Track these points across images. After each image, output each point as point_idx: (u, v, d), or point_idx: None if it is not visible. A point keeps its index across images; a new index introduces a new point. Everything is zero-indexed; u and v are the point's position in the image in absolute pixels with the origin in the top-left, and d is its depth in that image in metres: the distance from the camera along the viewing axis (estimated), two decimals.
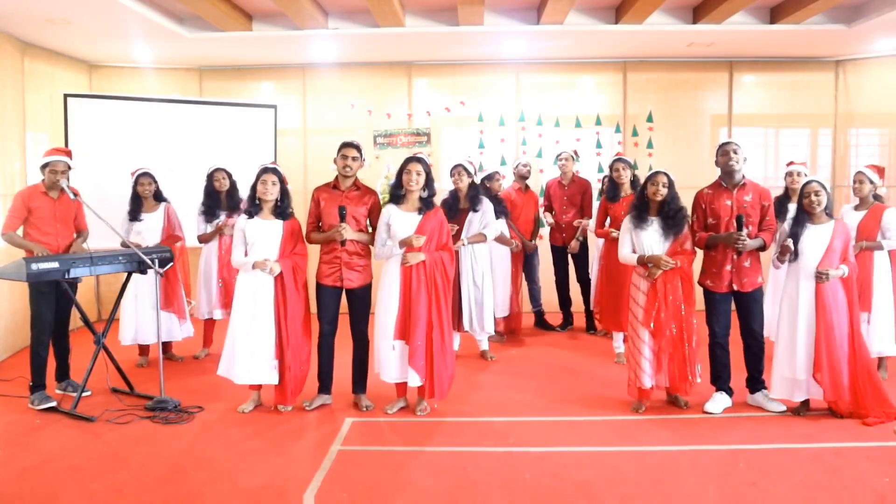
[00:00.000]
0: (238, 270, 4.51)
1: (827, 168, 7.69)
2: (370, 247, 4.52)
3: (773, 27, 6.30)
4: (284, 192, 4.44)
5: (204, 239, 5.71)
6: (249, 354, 4.36)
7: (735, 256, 4.29)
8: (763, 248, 4.33)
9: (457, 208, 5.45)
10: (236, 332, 4.39)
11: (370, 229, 4.49)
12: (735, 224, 4.23)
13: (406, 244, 4.29)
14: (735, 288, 4.34)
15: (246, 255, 4.38)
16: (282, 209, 4.42)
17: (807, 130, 7.88)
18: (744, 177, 4.39)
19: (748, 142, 7.64)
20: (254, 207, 4.41)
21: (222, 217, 5.68)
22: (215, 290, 5.72)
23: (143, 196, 5.48)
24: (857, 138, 7.68)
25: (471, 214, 5.43)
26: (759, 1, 6.06)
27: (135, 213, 5.44)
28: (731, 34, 6.50)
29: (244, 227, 4.39)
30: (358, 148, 4.43)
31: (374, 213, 4.49)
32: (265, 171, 4.40)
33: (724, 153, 4.37)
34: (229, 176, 5.73)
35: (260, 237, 4.36)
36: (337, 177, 4.49)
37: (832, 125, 7.69)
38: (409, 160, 4.39)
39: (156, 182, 5.52)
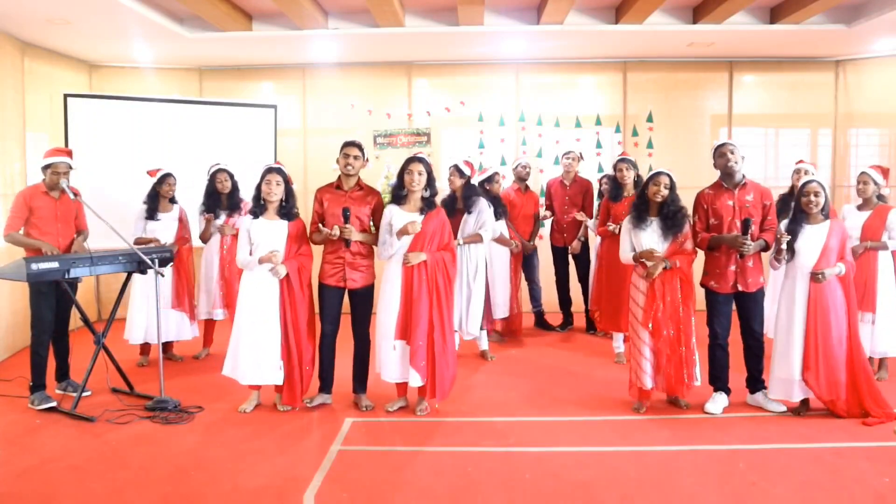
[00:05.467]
0: (241, 270, 4.50)
1: (827, 168, 7.69)
2: (373, 247, 4.52)
3: (773, 27, 6.31)
4: (289, 193, 4.42)
5: (205, 237, 5.72)
6: (255, 355, 4.35)
7: (738, 257, 4.29)
8: (766, 248, 4.32)
9: (453, 209, 5.45)
10: (241, 333, 4.38)
11: (373, 229, 4.49)
12: (740, 227, 4.21)
13: (404, 233, 4.27)
14: (739, 288, 4.33)
15: (251, 255, 4.37)
16: (286, 209, 4.41)
17: (807, 130, 7.88)
18: (744, 176, 4.38)
19: (748, 142, 7.66)
20: (258, 208, 4.39)
21: (223, 217, 5.68)
22: (216, 291, 5.73)
23: (164, 196, 5.51)
24: (857, 138, 7.68)
25: (465, 216, 5.44)
26: (759, 1, 6.06)
27: (152, 212, 5.48)
28: (731, 34, 6.50)
29: (249, 228, 4.37)
30: (360, 147, 4.43)
31: (377, 214, 4.48)
32: (269, 170, 4.38)
33: (720, 154, 4.34)
34: (231, 177, 5.73)
35: (265, 238, 4.34)
36: (340, 177, 4.48)
37: (832, 125, 7.68)
38: (410, 160, 4.39)
39: (176, 184, 5.58)
